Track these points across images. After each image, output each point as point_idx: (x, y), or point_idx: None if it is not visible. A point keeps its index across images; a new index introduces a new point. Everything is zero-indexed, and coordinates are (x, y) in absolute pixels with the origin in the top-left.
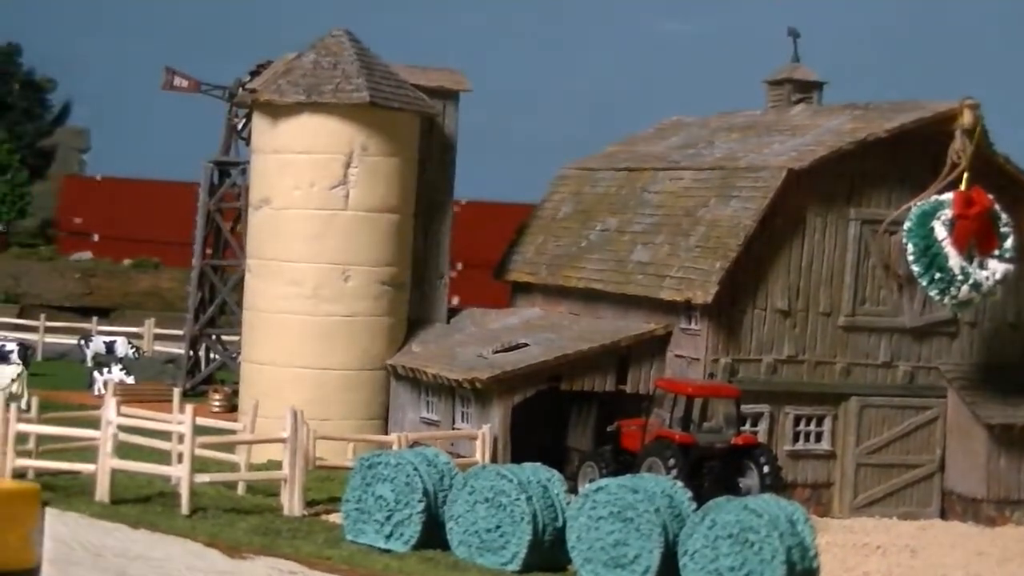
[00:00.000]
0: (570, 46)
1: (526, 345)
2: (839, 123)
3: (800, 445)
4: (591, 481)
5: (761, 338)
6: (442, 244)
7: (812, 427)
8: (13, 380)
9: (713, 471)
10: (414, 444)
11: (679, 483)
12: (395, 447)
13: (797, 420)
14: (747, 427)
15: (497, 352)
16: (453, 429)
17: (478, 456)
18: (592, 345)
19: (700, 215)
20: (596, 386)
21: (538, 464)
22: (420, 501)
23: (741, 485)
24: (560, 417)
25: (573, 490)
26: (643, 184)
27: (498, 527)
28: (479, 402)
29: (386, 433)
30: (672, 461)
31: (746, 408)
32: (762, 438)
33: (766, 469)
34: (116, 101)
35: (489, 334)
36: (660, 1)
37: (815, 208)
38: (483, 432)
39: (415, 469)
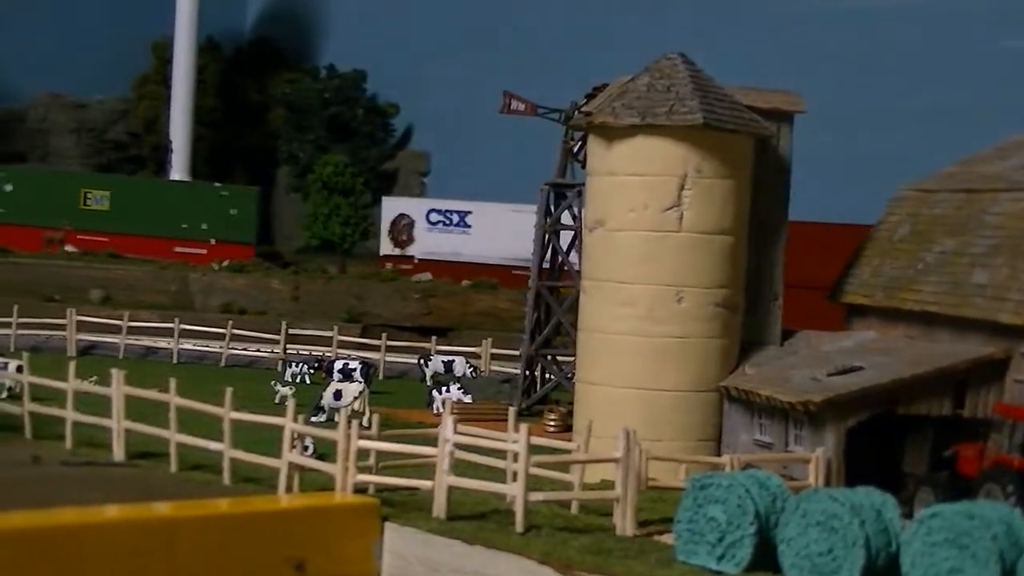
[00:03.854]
0: (904, 66)
1: (861, 368)
2: None
3: None
4: (927, 506)
5: None
6: (776, 266)
7: None
8: (355, 398)
9: None
10: (747, 466)
11: (1017, 510)
12: (727, 469)
13: None
14: None
15: (831, 375)
16: (786, 452)
17: (811, 479)
18: (928, 369)
19: None
20: (932, 410)
21: (872, 488)
22: (752, 523)
23: None
24: (895, 441)
25: (908, 515)
26: (983, 206)
27: (830, 551)
28: (812, 425)
29: (718, 455)
30: (1010, 487)
31: None
32: None
33: None
34: (455, 125)
35: (823, 357)
36: (999, 18)
37: None
38: (816, 455)
39: (747, 491)
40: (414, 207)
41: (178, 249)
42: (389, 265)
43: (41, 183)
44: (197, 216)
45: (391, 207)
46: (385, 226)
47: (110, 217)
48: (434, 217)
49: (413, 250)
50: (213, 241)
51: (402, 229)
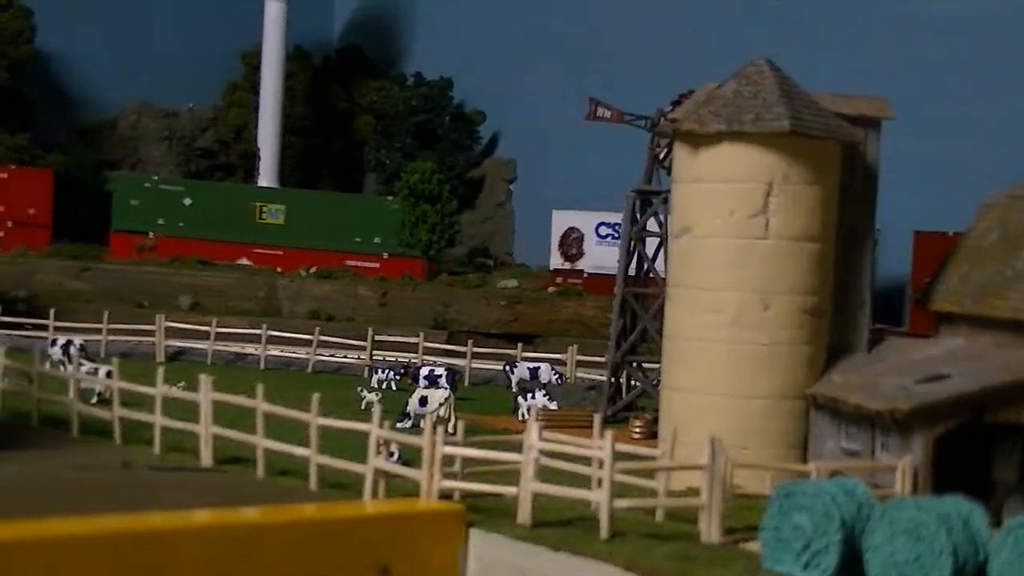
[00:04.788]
0: (993, 71)
1: (949, 376)
2: None
3: None
4: (1015, 515)
5: None
6: (863, 273)
7: None
8: (441, 404)
9: None
10: (833, 474)
11: None
12: (813, 477)
13: None
14: None
15: (919, 383)
16: (873, 460)
17: (898, 487)
18: (1017, 376)
19: None
20: (1021, 418)
21: (959, 497)
22: (838, 531)
23: None
24: (983, 449)
25: (996, 524)
26: None
27: (917, 559)
28: (900, 433)
29: (805, 462)
30: None
31: None
32: None
33: None
34: (541, 132)
35: (911, 364)
36: None
37: None
38: (904, 463)
39: (833, 499)
40: (583, 220)
41: (350, 263)
42: (559, 280)
43: (218, 197)
44: (369, 230)
45: (561, 220)
46: (555, 240)
47: (284, 231)
48: (603, 231)
49: (583, 264)
50: (385, 255)
51: (572, 243)
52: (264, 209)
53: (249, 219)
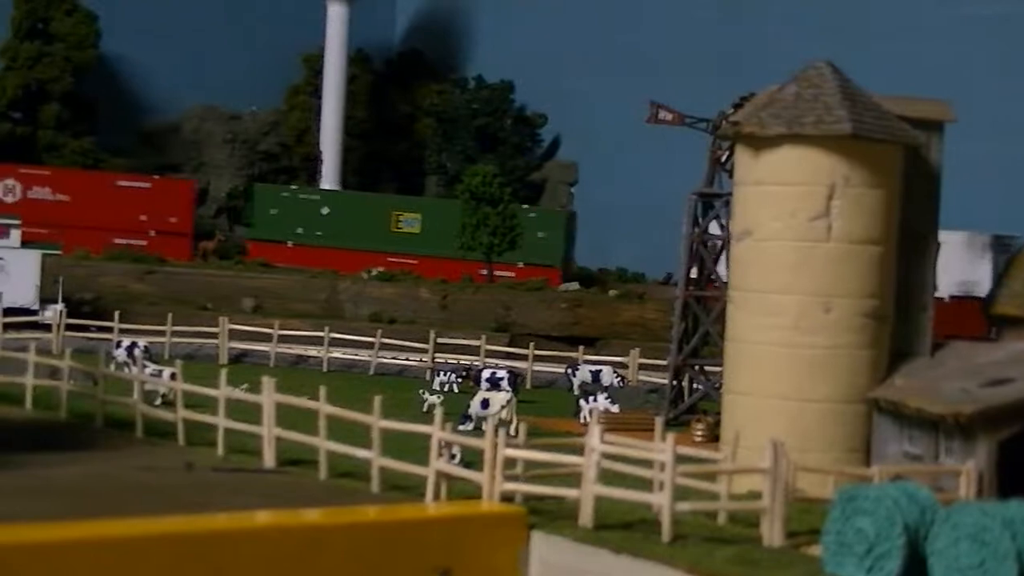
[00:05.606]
0: None
1: (1013, 379)
2: None
3: None
4: None
5: None
6: (925, 276)
7: None
8: (503, 407)
9: None
10: (895, 478)
11: None
12: (876, 480)
13: None
14: None
15: (983, 386)
16: (936, 464)
17: (962, 492)
18: None
19: None
20: None
21: None
22: (900, 535)
23: None
24: None
25: None
26: None
27: (981, 564)
28: (963, 437)
29: (867, 466)
30: None
31: None
32: None
33: None
34: (602, 135)
35: (974, 368)
36: None
37: None
38: (967, 467)
39: (895, 503)
40: None
41: (485, 272)
42: None
43: (355, 206)
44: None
45: None
46: None
47: (420, 240)
48: None
49: None
50: (521, 264)
51: None
52: (400, 218)
53: (385, 228)
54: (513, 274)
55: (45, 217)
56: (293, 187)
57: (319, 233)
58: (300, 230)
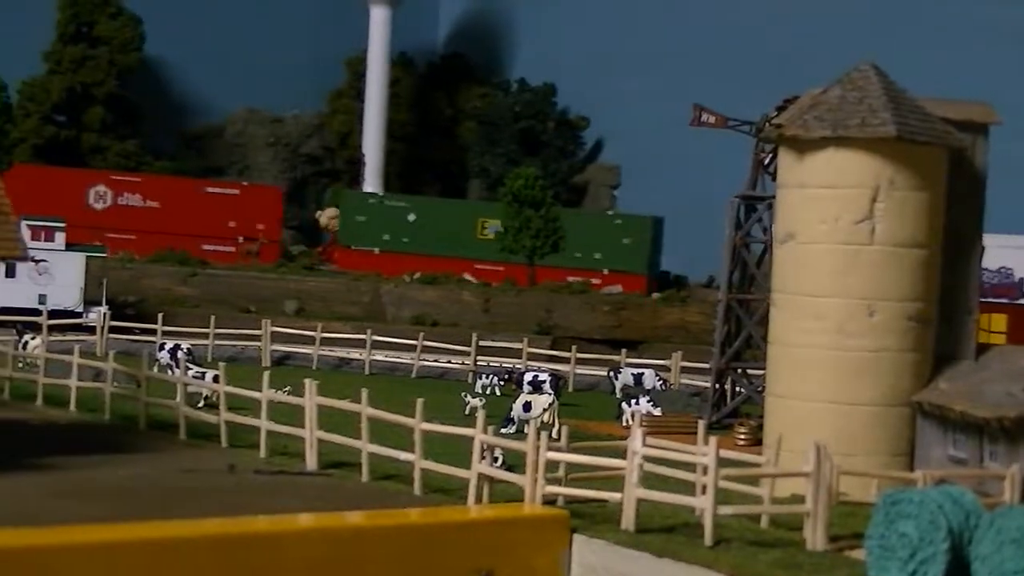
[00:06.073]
0: None
1: None
2: None
3: None
4: None
5: None
6: (970, 280)
7: None
8: (545, 410)
9: None
10: (940, 482)
11: None
12: (920, 484)
13: None
14: None
15: None
16: (980, 468)
17: (1006, 496)
18: None
19: None
20: None
21: None
22: (944, 540)
23: None
24: None
25: None
26: None
27: None
28: (1008, 441)
29: (911, 470)
30: None
31: None
32: None
33: None
34: (645, 138)
35: (1019, 371)
36: None
37: None
38: (1012, 471)
39: (940, 507)
40: None
41: (570, 279)
42: None
43: (441, 213)
44: (590, 245)
45: None
46: None
47: (506, 246)
48: None
49: None
50: (605, 271)
51: None
52: (486, 225)
53: (471, 235)
54: (599, 281)
55: (135, 224)
56: (380, 194)
57: (405, 240)
58: (386, 237)
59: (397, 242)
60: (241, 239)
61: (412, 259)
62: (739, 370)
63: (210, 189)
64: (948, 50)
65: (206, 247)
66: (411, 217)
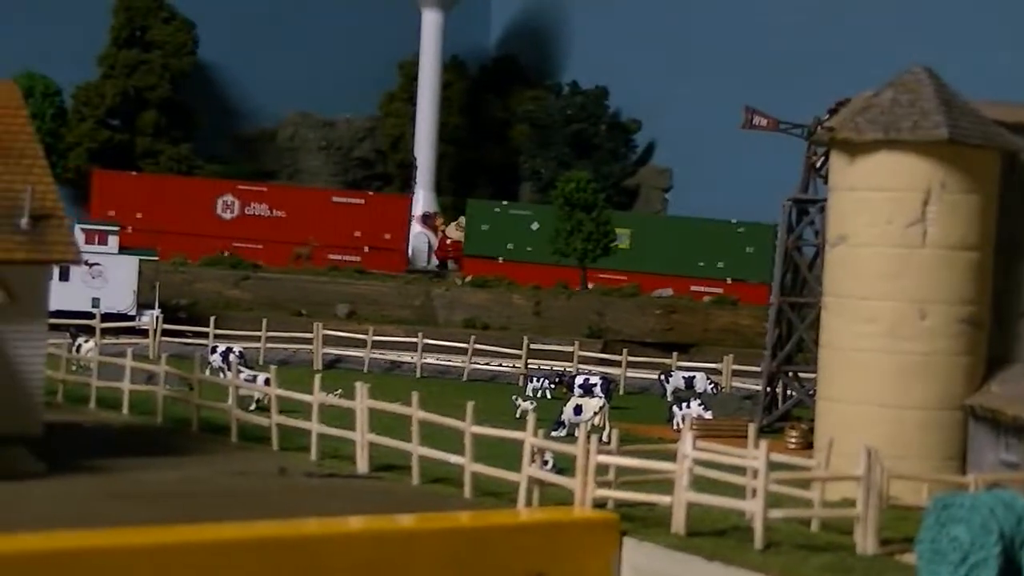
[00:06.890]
0: None
1: None
2: None
3: None
4: None
5: None
6: (1023, 283)
7: None
8: (595, 413)
9: None
10: (992, 486)
11: None
12: (971, 488)
13: None
14: None
15: None
16: None
17: None
18: None
19: None
20: None
21: None
22: (996, 544)
23: None
24: None
25: None
26: None
27: None
28: None
29: (963, 474)
30: None
31: None
32: None
33: None
34: (696, 140)
35: None
36: None
37: None
38: None
39: (991, 511)
40: None
41: (695, 288)
42: None
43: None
44: (713, 254)
45: None
46: None
47: (630, 256)
48: None
49: None
50: (728, 280)
51: None
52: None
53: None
54: (721, 290)
55: (262, 233)
56: (504, 202)
57: (529, 249)
58: (510, 246)
59: (520, 251)
60: (367, 248)
61: (536, 268)
62: (790, 373)
63: (336, 199)
64: (1002, 52)
65: (332, 256)
66: (534, 226)
